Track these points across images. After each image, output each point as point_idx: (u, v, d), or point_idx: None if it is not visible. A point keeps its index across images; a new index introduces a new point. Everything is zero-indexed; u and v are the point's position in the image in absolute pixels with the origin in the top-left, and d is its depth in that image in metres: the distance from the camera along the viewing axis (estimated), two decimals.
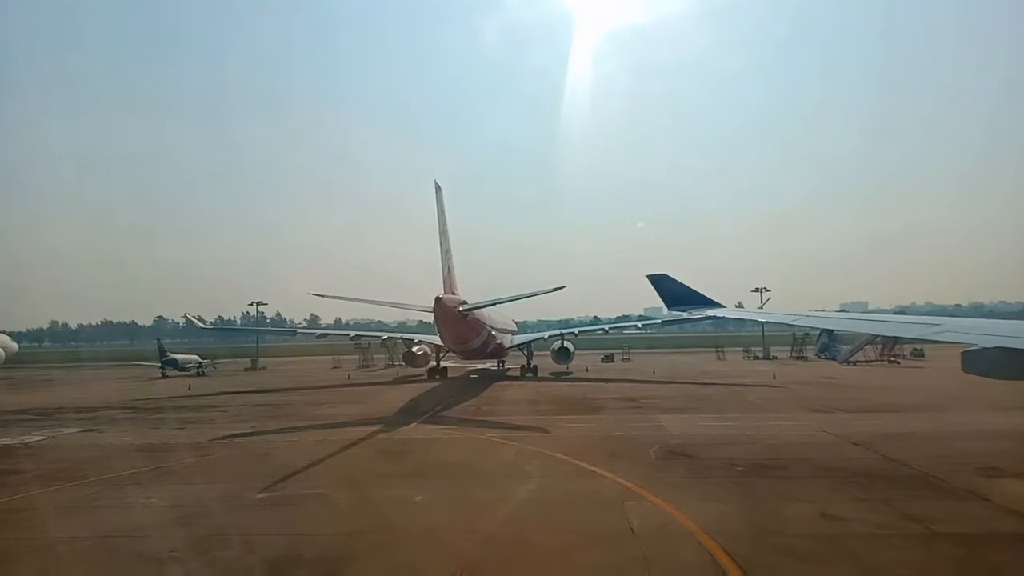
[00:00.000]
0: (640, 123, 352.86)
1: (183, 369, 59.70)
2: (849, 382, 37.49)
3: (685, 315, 19.29)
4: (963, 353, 10.08)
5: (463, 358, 45.24)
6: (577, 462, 15.70)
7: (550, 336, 49.47)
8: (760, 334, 71.69)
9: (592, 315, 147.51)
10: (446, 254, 38.92)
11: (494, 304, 38.87)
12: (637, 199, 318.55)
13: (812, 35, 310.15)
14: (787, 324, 21.12)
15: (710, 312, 17.57)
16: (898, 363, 53.94)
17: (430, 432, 21.67)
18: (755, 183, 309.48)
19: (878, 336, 52.39)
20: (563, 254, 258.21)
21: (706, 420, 22.98)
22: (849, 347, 56.10)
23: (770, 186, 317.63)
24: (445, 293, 36.73)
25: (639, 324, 57.37)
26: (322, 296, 41.86)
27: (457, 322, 36.79)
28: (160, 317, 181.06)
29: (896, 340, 61.49)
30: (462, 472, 15.33)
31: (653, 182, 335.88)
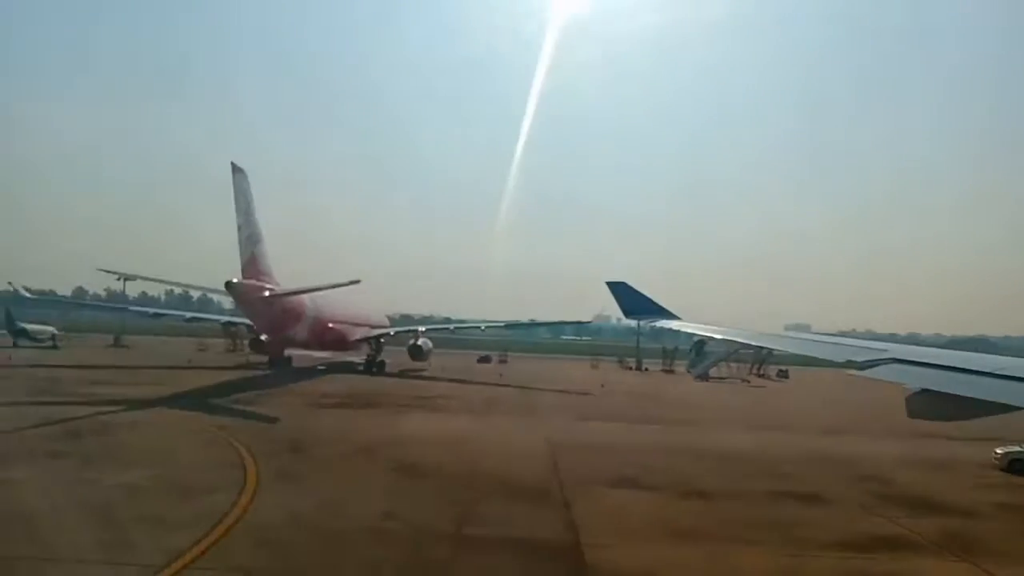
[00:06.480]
0: (606, 126, 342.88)
1: (36, 339, 56.47)
2: (672, 397, 38.20)
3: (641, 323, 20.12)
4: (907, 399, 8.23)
5: (287, 346, 41.53)
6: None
7: (402, 331, 47.91)
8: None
9: (531, 318, 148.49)
10: (248, 239, 37.04)
11: (302, 293, 37.36)
12: (604, 205, 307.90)
13: (810, 40, 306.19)
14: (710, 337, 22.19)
15: (660, 323, 17.64)
16: (748, 382, 54.66)
17: (167, 417, 21.47)
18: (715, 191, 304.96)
19: (733, 353, 53.50)
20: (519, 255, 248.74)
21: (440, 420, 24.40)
22: (707, 362, 56.19)
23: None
24: (247, 278, 35.35)
25: (503, 324, 55.97)
26: (109, 272, 41.09)
27: (264, 308, 35.72)
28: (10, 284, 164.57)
29: (764, 360, 62.88)
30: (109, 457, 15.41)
31: (621, 189, 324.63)
